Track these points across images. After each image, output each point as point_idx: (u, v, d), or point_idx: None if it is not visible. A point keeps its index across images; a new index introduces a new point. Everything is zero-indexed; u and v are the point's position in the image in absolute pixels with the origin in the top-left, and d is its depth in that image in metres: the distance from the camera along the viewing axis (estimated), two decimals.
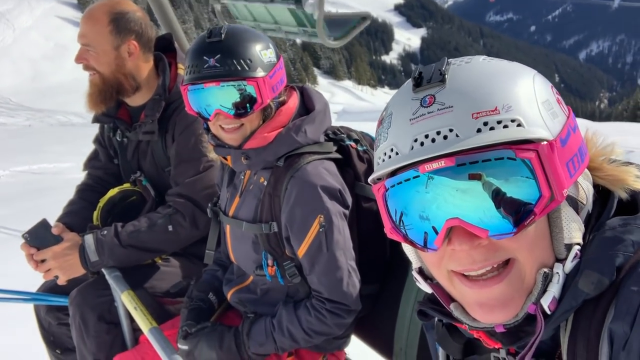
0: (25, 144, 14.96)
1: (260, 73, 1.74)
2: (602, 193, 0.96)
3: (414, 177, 0.84)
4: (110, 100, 2.47)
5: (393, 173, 0.88)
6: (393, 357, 2.02)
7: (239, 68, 1.71)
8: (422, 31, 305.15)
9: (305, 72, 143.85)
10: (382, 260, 2.05)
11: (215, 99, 1.75)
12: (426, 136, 0.82)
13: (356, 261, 1.86)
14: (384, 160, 0.88)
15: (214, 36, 1.73)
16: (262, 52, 1.77)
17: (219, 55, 1.70)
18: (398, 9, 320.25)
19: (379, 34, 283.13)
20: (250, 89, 1.74)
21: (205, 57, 1.71)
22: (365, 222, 1.97)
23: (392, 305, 2.01)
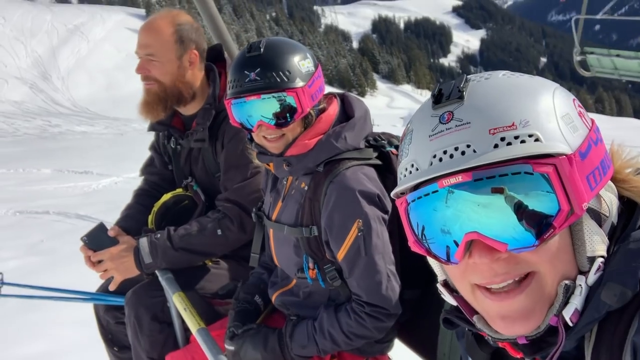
0: (124, 152, 15.63)
1: (299, 83, 1.80)
2: (628, 205, 0.94)
3: (434, 192, 0.86)
4: (169, 108, 2.56)
5: (415, 188, 0.90)
6: None
7: (279, 80, 1.77)
8: (482, 32, 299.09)
9: (365, 77, 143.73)
10: (425, 264, 2.05)
11: (257, 111, 1.82)
12: (444, 152, 0.84)
13: (398, 266, 1.88)
14: (405, 176, 0.91)
15: (253, 50, 1.79)
16: (301, 63, 1.82)
17: (259, 69, 1.76)
18: (456, 10, 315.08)
19: (437, 37, 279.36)
20: (290, 100, 1.79)
21: (246, 72, 1.78)
22: None
23: (435, 309, 1.99)
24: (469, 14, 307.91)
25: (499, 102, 0.84)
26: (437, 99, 0.89)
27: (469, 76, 0.90)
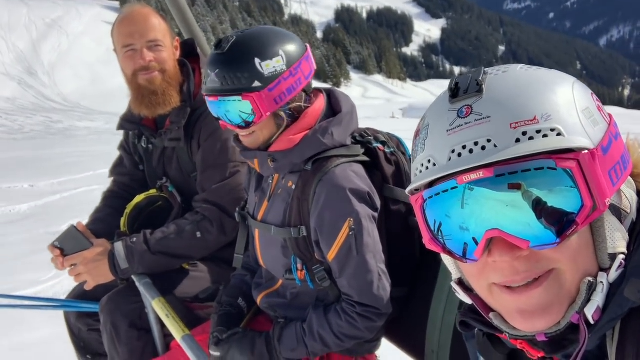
0: None
1: (257, 87, 1.70)
2: None
3: (452, 188, 0.83)
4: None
5: (431, 184, 0.87)
6: (425, 359, 1.99)
7: (234, 83, 1.69)
8: (442, 22, 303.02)
9: (339, 68, 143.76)
10: (412, 262, 2.03)
11: (219, 111, 1.78)
12: (464, 147, 0.81)
13: (386, 264, 1.84)
14: (421, 172, 0.87)
15: (218, 48, 1.72)
16: (264, 64, 1.70)
17: (217, 70, 1.70)
18: (416, 0, 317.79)
19: (399, 26, 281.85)
20: (246, 104, 1.72)
21: (209, 70, 1.72)
22: (394, 224, 1.94)
23: (422, 307, 1.98)
24: (428, 3, 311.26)
25: (520, 96, 0.82)
26: (455, 93, 0.86)
27: (486, 69, 0.88)
